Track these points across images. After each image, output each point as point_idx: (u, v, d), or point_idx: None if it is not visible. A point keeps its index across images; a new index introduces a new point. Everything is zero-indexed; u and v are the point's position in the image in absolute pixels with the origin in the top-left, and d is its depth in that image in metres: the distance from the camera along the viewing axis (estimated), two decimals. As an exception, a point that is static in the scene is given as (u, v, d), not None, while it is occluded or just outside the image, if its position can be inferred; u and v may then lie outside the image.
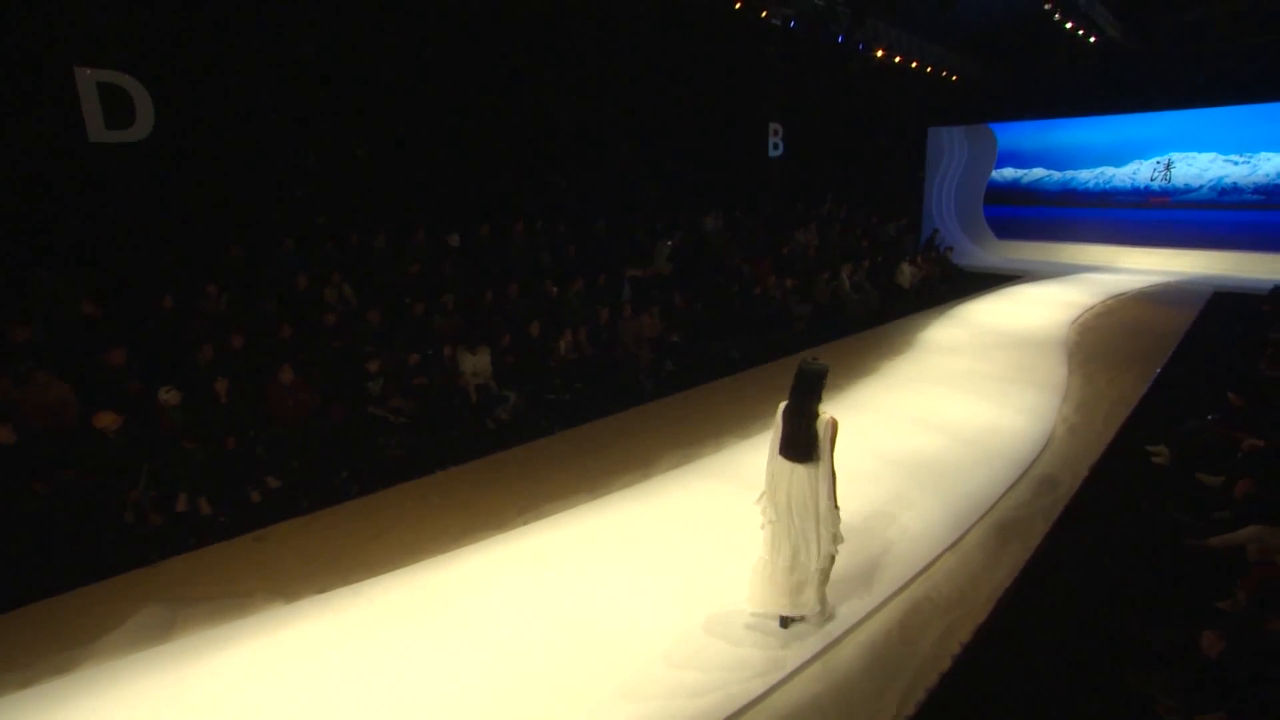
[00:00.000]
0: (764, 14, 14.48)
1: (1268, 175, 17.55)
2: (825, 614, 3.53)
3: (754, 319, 9.94)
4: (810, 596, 3.42)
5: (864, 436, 5.93)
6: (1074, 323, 11.37)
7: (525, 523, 4.64)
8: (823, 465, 3.29)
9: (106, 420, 4.97)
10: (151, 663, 3.34)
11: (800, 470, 3.32)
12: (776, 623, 3.48)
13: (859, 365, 8.37)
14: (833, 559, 3.45)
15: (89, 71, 6.91)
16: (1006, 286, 15.14)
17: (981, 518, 4.70)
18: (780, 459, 3.38)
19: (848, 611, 3.60)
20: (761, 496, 3.53)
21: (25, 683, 3.22)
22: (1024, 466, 5.53)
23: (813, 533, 3.37)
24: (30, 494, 4.57)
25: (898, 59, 17.45)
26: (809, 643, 3.39)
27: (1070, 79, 19.03)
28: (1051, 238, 20.67)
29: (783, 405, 3.41)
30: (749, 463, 5.54)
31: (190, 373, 5.65)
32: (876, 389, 7.40)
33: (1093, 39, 17.03)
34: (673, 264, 10.92)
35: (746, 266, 11.17)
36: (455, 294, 7.57)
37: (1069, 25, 16.08)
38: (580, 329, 7.66)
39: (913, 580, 3.96)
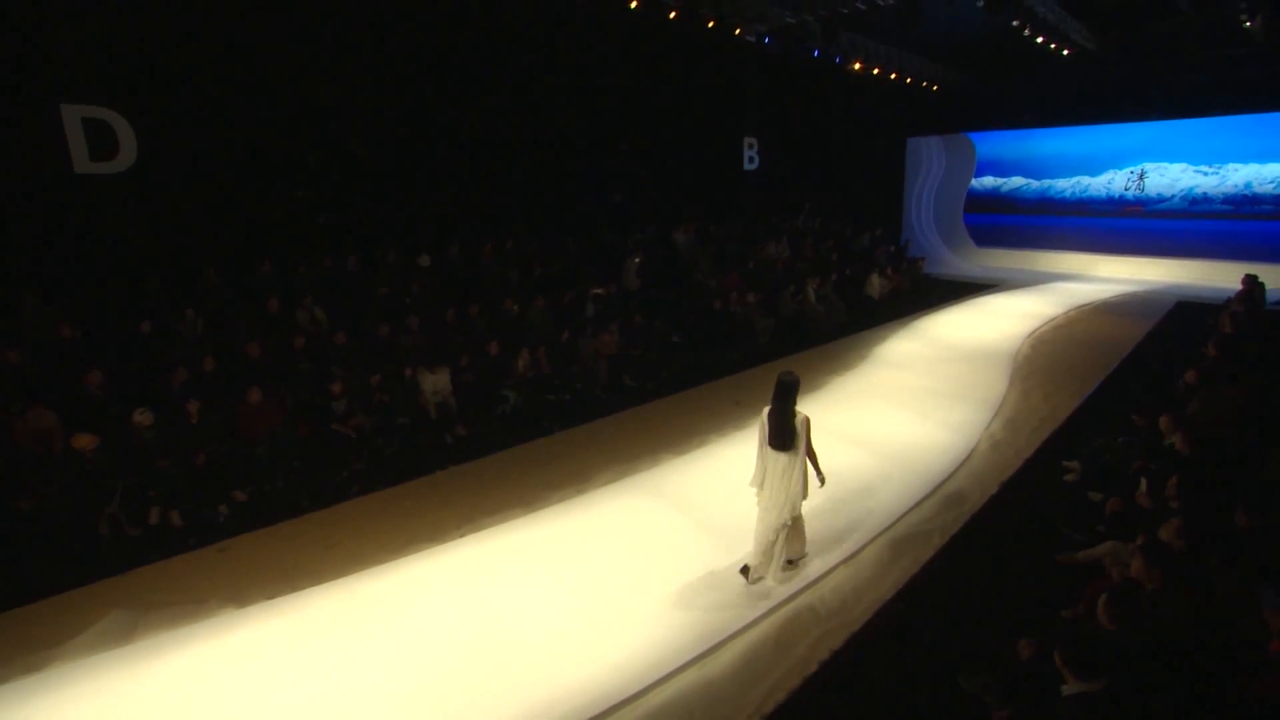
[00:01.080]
0: (738, 31, 14.90)
1: (1236, 186, 17.95)
2: (787, 574, 4.50)
3: (716, 333, 10.37)
4: (772, 564, 4.42)
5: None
6: (1030, 335, 11.75)
7: (461, 535, 5.09)
8: (799, 451, 4.29)
9: (85, 441, 5.43)
10: (112, 663, 3.80)
11: (783, 457, 4.33)
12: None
13: (808, 381, 8.72)
14: (783, 528, 4.39)
15: (75, 108, 7.38)
16: (977, 297, 15.48)
17: (881, 533, 5.13)
18: (768, 448, 4.39)
19: (731, 618, 4.04)
20: (754, 478, 4.52)
21: (6, 675, 3.67)
22: (936, 483, 5.96)
23: (775, 506, 4.36)
24: (13, 510, 5.02)
25: (876, 70, 17.84)
26: (686, 642, 3.83)
27: (1047, 90, 19.43)
28: (1030, 245, 21.05)
29: (766, 409, 4.40)
30: (680, 480, 6.01)
31: (165, 394, 6.10)
32: (817, 406, 7.78)
33: (1066, 52, 17.36)
34: (641, 279, 11.35)
35: (712, 281, 11.59)
36: (420, 315, 8.01)
37: (1040, 40, 16.40)
38: (539, 347, 8.09)
39: (801, 591, 4.39)
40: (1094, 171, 20.29)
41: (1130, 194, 19.71)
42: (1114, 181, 19.98)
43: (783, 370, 4.41)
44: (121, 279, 7.41)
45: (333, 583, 4.54)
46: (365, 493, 5.98)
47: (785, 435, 4.28)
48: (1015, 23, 15.40)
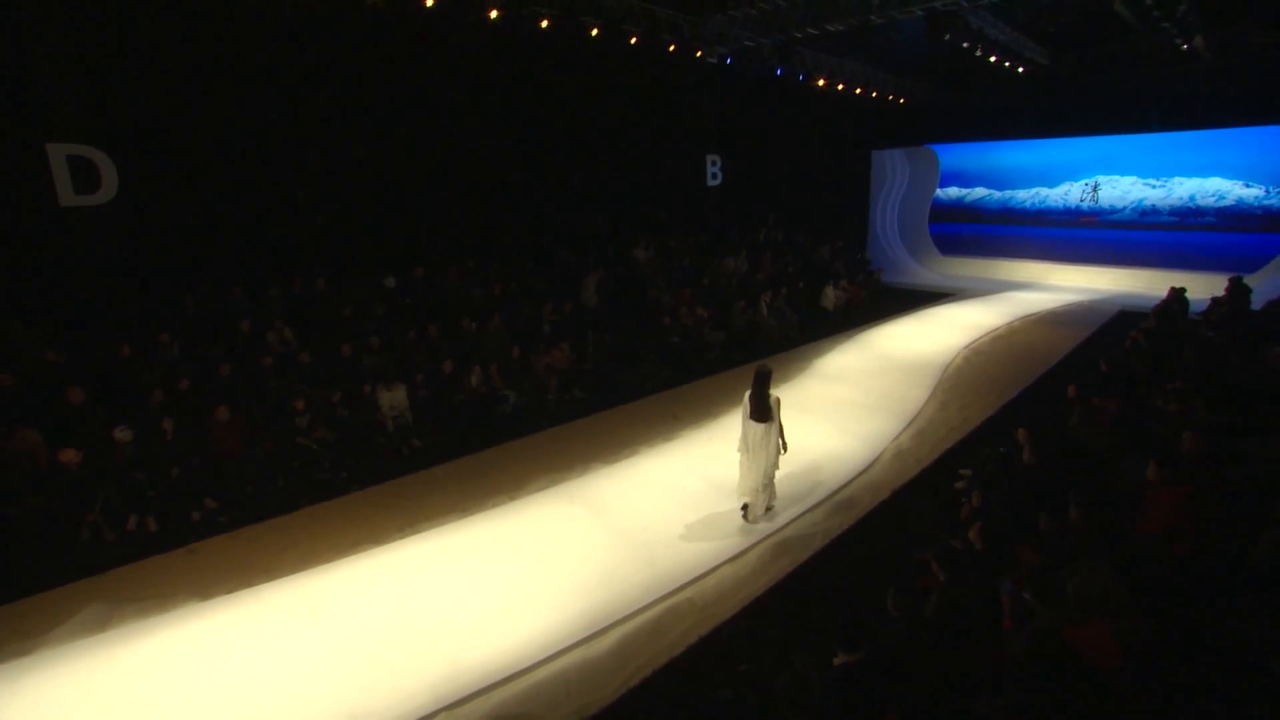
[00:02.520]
0: (699, 54, 15.61)
1: (1181, 198, 18.78)
2: (768, 516, 6.06)
3: (665, 347, 11.08)
4: (759, 507, 5.96)
5: (707, 462, 7.12)
6: (967, 347, 12.48)
7: (402, 537, 5.80)
8: (773, 424, 5.87)
9: (69, 456, 6.13)
10: (90, 648, 4.50)
11: (760, 427, 5.85)
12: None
13: (739, 394, 9.49)
14: (769, 482, 5.97)
15: (60, 146, 8.04)
16: (931, 307, 16.21)
17: (768, 535, 5.86)
18: (750, 422, 5.88)
19: (622, 605, 4.76)
20: (739, 442, 6.00)
21: (-4, 660, 4.39)
22: (830, 490, 6.69)
23: (758, 465, 5.87)
24: (3, 517, 5.71)
25: (840, 86, 18.58)
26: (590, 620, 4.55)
27: (1007, 104, 20.25)
28: (992, 254, 21.85)
29: (748, 393, 5.96)
30: (604, 488, 6.73)
31: (142, 412, 6.79)
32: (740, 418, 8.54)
33: (1021, 69, 18.09)
34: (599, 296, 12.05)
35: (666, 296, 12.31)
36: (381, 335, 8.71)
37: (993, 59, 17.09)
38: (491, 364, 8.79)
39: (686, 585, 5.11)
40: (1052, 183, 21.09)
41: (1085, 205, 20.53)
42: (1070, 193, 20.79)
43: (760, 363, 6.10)
44: (103, 304, 8.07)
45: (285, 579, 5.24)
46: (323, 500, 6.68)
47: (763, 411, 5.83)
48: (965, 44, 16.15)
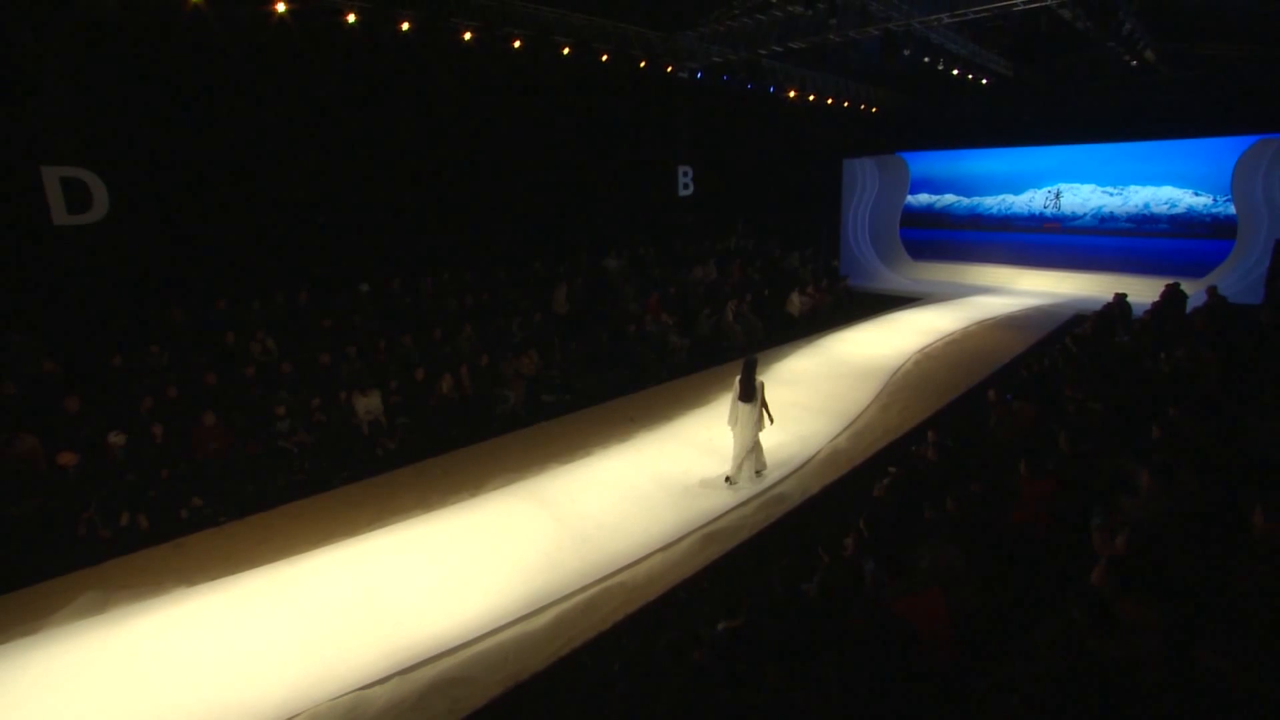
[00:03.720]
0: (669, 69, 16.25)
1: (1137, 206, 19.59)
2: (759, 479, 7.43)
3: (631, 353, 11.73)
4: (742, 475, 7.31)
5: (657, 461, 7.79)
6: (920, 351, 13.15)
7: (371, 530, 6.42)
8: (757, 402, 7.20)
9: (66, 459, 6.73)
10: (89, 628, 5.11)
11: (745, 406, 7.19)
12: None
13: (698, 397, 10.19)
14: (752, 448, 7.33)
15: (53, 169, 8.61)
16: (895, 312, 16.88)
17: (702, 526, 6.51)
18: (738, 402, 7.21)
19: (559, 587, 5.41)
20: (729, 419, 7.39)
21: (5, 638, 4.98)
22: (764, 486, 7.35)
23: (743, 438, 7.24)
24: (7, 516, 6.30)
25: (811, 97, 19.23)
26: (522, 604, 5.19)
27: (974, 113, 20.97)
28: (962, 259, 22.58)
29: (738, 378, 7.25)
30: (558, 485, 7.37)
31: (134, 418, 7.38)
32: (695, 420, 9.22)
33: (984, 81, 18.73)
34: (570, 304, 12.69)
35: (634, 305, 12.95)
36: (358, 344, 9.32)
37: (955, 72, 17.72)
38: (462, 370, 9.40)
39: (620, 570, 5.76)
40: (1017, 190, 21.87)
41: (1049, 212, 21.31)
42: (1034, 200, 21.57)
43: (748, 355, 7.65)
44: (95, 317, 8.65)
45: (263, 568, 5.86)
46: (300, 498, 7.29)
47: (749, 393, 7.18)
48: (926, 60, 16.80)
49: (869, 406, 9.97)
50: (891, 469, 7.84)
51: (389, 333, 9.88)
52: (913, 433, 9.01)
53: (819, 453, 8.33)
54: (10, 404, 7.13)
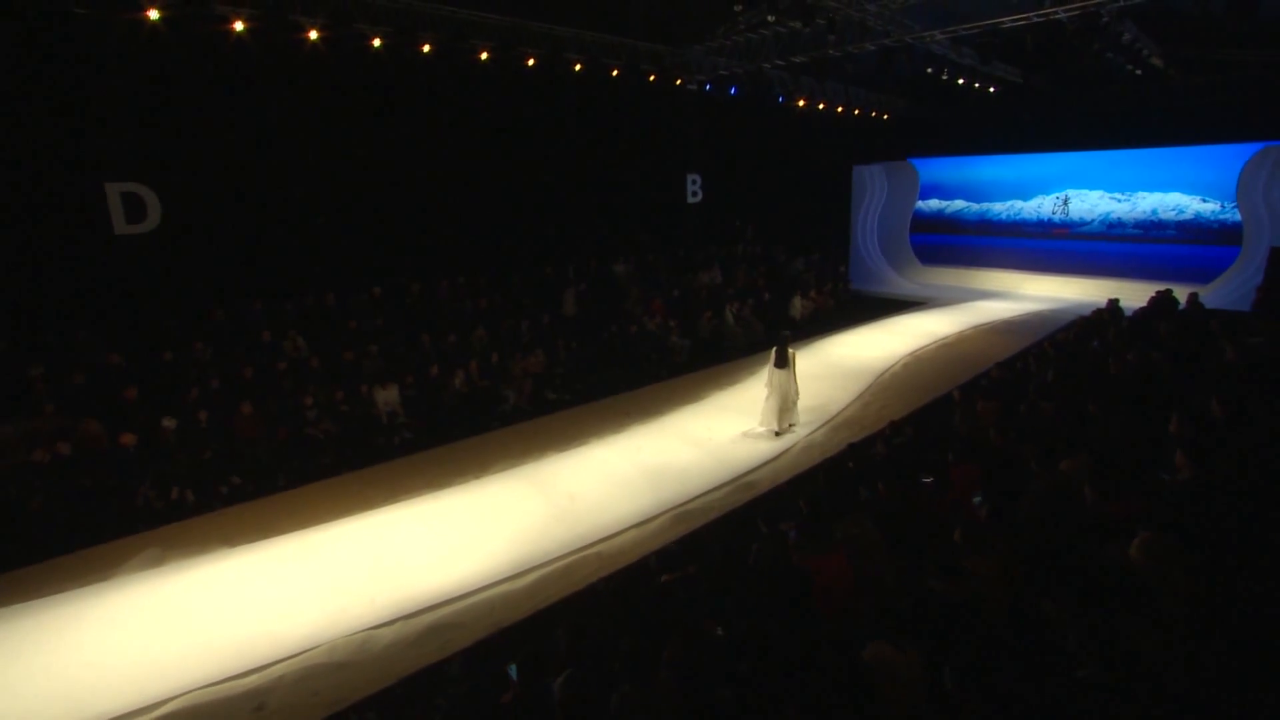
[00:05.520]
0: (679, 81, 17.03)
1: (1144, 212, 19.77)
2: (792, 431, 9.18)
3: (634, 353, 12.53)
4: (783, 423, 9.01)
5: (645, 451, 8.57)
6: (911, 354, 13.65)
7: (385, 505, 7.34)
8: (790, 369, 8.98)
9: (127, 439, 7.77)
10: (148, 579, 6.10)
11: (780, 372, 8.96)
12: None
13: (692, 394, 10.96)
14: (792, 406, 9.17)
15: (115, 185, 9.74)
16: (896, 315, 17.36)
17: (676, 507, 7.29)
18: (773, 368, 8.96)
19: (541, 555, 6.25)
20: (765, 383, 9.13)
21: (83, 585, 6.00)
22: (738, 473, 8.09)
23: (780, 396, 9.02)
24: (79, 487, 7.36)
25: (821, 105, 19.81)
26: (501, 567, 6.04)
27: (984, 120, 21.33)
28: (971, 264, 22.88)
29: (774, 349, 9.06)
30: (554, 471, 8.20)
31: (183, 405, 8.42)
32: (686, 415, 10.00)
33: (991, 89, 19.09)
34: (578, 307, 13.55)
35: (638, 308, 13.76)
36: (379, 343, 10.31)
37: (960, 81, 18.13)
38: (471, 365, 10.32)
39: (597, 542, 6.58)
40: (1025, 196, 22.11)
41: (1057, 218, 21.55)
42: (1043, 206, 21.81)
43: (784, 332, 9.59)
44: (150, 316, 9.77)
45: (291, 534, 6.81)
46: (325, 478, 8.26)
47: (783, 360, 8.92)
48: (929, 70, 17.27)
49: (850, 405, 10.61)
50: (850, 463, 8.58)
51: (408, 332, 10.85)
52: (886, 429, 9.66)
53: (795, 445, 9.04)
54: (79, 392, 8.22)
